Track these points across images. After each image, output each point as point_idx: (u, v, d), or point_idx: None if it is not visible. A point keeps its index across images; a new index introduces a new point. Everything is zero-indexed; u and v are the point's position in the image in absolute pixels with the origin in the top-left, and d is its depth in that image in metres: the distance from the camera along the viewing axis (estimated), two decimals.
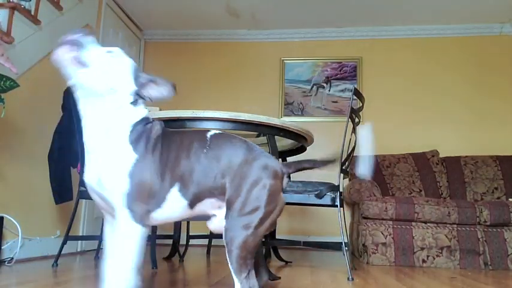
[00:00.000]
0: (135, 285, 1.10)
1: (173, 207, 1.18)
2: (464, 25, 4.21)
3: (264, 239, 2.35)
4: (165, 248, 3.15)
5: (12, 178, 2.52)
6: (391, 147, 3.92)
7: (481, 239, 2.83)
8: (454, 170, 3.69)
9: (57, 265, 2.30)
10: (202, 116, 2.07)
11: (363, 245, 2.95)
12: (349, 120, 2.29)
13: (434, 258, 2.82)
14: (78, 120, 1.22)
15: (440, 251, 2.83)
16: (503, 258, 2.78)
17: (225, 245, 1.11)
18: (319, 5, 3.93)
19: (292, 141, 2.45)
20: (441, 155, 3.79)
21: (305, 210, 4.02)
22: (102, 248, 2.81)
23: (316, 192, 2.25)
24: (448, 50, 4.25)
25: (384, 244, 2.88)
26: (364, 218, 2.96)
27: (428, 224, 2.88)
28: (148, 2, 3.98)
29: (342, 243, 2.19)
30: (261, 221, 1.13)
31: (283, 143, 2.60)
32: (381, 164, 3.73)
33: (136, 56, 4.47)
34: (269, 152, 2.05)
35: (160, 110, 2.57)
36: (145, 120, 1.22)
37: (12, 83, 2.04)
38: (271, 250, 2.92)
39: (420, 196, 3.46)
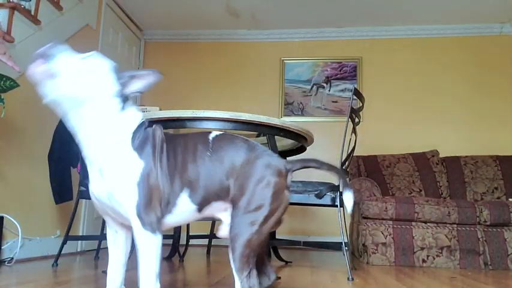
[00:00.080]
0: None
1: (183, 212, 1.17)
2: (464, 25, 4.21)
3: None
4: (165, 248, 3.13)
5: (12, 178, 2.52)
6: (391, 147, 3.92)
7: (481, 239, 2.83)
8: (454, 170, 3.69)
9: (57, 265, 2.30)
10: (202, 116, 2.06)
11: (363, 245, 2.95)
12: (349, 120, 2.29)
13: (434, 258, 2.82)
14: (74, 136, 1.17)
15: (440, 251, 2.83)
16: (503, 258, 2.78)
17: (229, 242, 1.11)
18: (319, 5, 3.93)
19: (292, 141, 2.45)
20: (441, 155, 3.79)
21: (305, 210, 4.02)
22: (102, 248, 2.81)
23: (316, 192, 2.26)
24: (448, 50, 4.25)
25: (383, 244, 2.88)
26: (364, 218, 2.96)
27: (428, 224, 2.88)
28: (148, 2, 3.98)
29: (342, 243, 2.18)
30: (266, 218, 1.13)
31: (283, 143, 2.60)
32: (381, 164, 3.73)
33: (136, 56, 4.47)
34: None
35: (160, 110, 2.57)
36: (144, 125, 1.20)
37: (12, 82, 2.04)
38: (271, 250, 2.92)
39: (420, 196, 3.46)
